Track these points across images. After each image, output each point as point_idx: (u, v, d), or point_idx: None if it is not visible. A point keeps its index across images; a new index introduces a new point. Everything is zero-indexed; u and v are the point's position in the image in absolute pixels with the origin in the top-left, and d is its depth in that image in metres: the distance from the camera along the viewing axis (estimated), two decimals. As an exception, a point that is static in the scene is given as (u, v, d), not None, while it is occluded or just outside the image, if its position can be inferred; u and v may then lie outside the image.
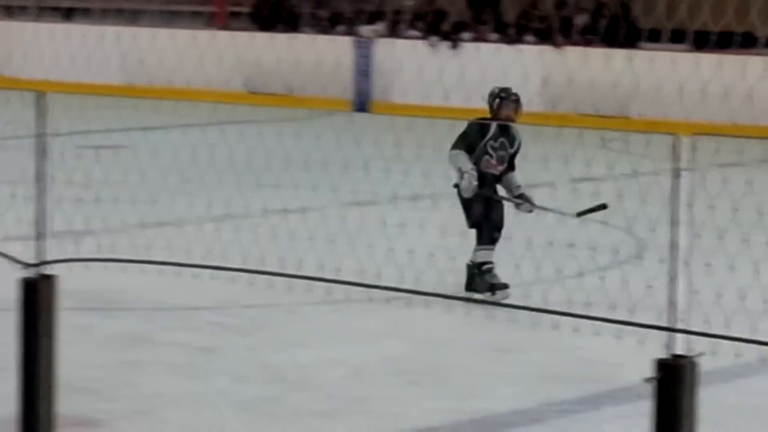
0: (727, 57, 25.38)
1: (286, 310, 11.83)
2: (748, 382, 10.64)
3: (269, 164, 18.21)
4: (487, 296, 12.88)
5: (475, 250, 13.19)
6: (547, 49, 27.14)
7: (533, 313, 10.92)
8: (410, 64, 26.66)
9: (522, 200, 13.42)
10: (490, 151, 13.13)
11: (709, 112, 23.69)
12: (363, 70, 28.12)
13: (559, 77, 26.14)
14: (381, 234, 14.25)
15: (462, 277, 13.26)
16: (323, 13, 31.22)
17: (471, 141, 13.16)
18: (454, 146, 13.18)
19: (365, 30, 29.21)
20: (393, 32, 29.12)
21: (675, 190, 4.74)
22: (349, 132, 22.93)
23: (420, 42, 28.06)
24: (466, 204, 13.14)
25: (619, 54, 26.07)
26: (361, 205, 17.30)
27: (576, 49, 26.91)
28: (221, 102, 24.93)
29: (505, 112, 13.34)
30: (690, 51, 26.32)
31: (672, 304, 4.64)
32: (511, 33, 27.89)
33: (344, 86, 28.01)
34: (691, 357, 5.14)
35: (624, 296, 10.68)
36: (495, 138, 13.13)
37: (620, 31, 26.97)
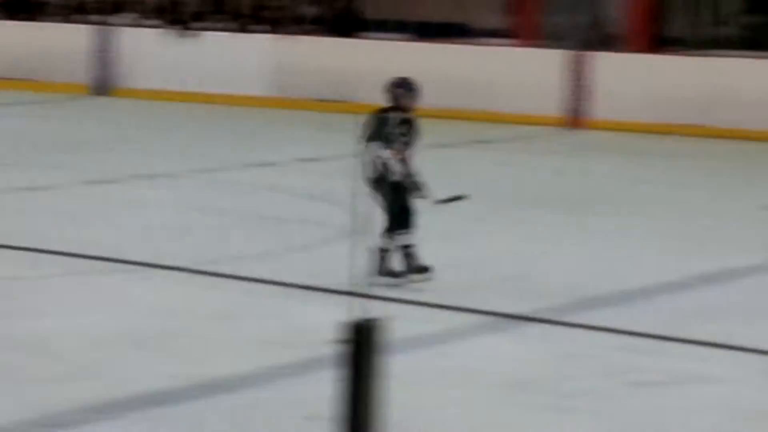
0: (446, 46, 25.71)
1: (30, 281, 11.44)
2: (448, 346, 10.42)
3: (15, 145, 17.95)
4: (416, 278, 12.69)
5: (393, 235, 12.78)
6: (279, 38, 26.70)
7: (253, 283, 11.45)
8: (151, 51, 26.71)
9: (417, 187, 13.25)
10: (394, 139, 12.97)
11: (430, 97, 22.97)
12: (104, 57, 27.31)
13: (289, 65, 26.09)
14: (122, 210, 14.19)
15: (196, 251, 12.96)
16: (69, 1, 30.36)
17: (379, 131, 12.89)
18: (370, 138, 12.79)
19: (108, 19, 28.54)
20: (135, 22, 28.68)
21: (356, 167, 5.15)
22: (93, 115, 23.52)
23: (160, 31, 27.49)
24: (381, 191, 12.74)
25: (345, 43, 26.28)
26: (104, 183, 16.43)
27: (306, 38, 26.65)
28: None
29: (405, 101, 12.91)
30: (412, 40, 26.42)
31: (354, 271, 5.02)
32: (246, 22, 27.89)
33: (86, 72, 27.11)
34: (376, 321, 5.08)
35: (329, 266, 11.01)
36: (397, 126, 12.94)
37: (347, 22, 27.35)
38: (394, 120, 13.01)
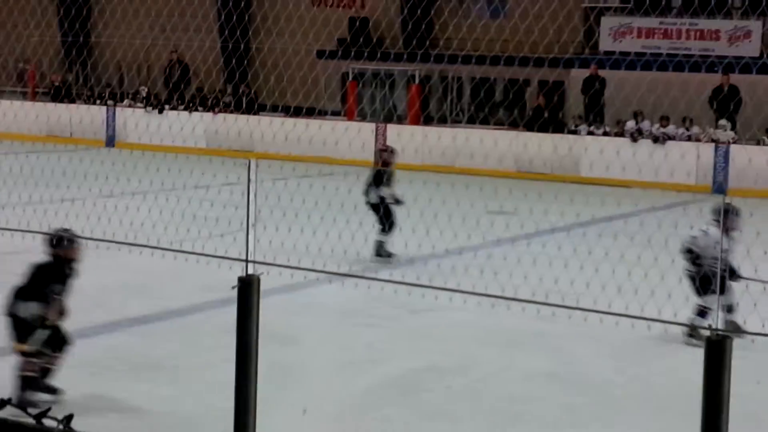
0: (308, 119, 26.50)
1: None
2: (304, 291, 10.77)
3: None
4: (388, 260, 13.07)
5: (385, 234, 13.20)
6: (209, 114, 27.08)
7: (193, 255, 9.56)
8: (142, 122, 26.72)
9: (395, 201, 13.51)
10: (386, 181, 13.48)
11: (296, 149, 23.94)
12: (112, 125, 27.58)
13: (217, 131, 26.63)
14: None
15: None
16: (90, 92, 29.81)
17: (382, 178, 13.43)
18: (385, 185, 13.37)
19: (112, 101, 28.35)
20: (129, 104, 28.24)
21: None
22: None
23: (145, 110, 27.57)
24: (381, 209, 13.26)
25: (249, 118, 26.45)
26: None
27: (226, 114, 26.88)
28: None
29: (388, 159, 13.81)
30: (287, 116, 25.75)
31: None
32: (191, 104, 27.88)
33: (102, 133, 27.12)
34: (257, 275, 4.77)
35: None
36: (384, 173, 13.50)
37: (249, 104, 27.66)
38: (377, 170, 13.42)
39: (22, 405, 5.45)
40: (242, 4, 31.14)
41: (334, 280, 10.76)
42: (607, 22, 25.64)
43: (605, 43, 25.53)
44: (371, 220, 14.44)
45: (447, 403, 7.61)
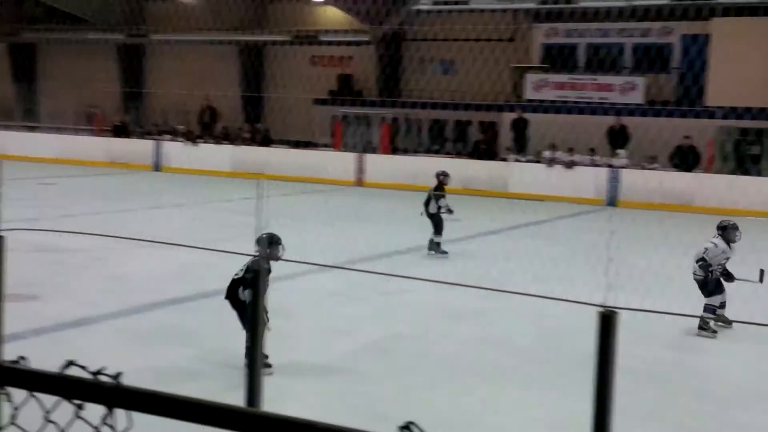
0: (305, 151, 25.62)
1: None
2: (299, 279, 10.33)
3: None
4: (444, 255, 12.51)
5: (439, 236, 12.70)
6: (234, 146, 25.78)
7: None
8: (180, 153, 25.79)
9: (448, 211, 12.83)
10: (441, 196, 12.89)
11: (289, 171, 23.66)
12: (159, 155, 26.11)
13: (241, 158, 25.20)
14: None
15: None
16: (146, 129, 28.97)
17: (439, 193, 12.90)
18: (442, 198, 12.81)
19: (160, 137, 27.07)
20: (172, 138, 26.77)
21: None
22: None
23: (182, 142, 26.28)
24: (437, 218, 12.82)
25: (265, 149, 25.60)
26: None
27: (248, 146, 25.59)
28: None
29: (443, 181, 13.18)
30: (291, 148, 25.84)
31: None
32: (220, 138, 26.72)
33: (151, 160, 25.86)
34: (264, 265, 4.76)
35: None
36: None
37: (265, 139, 26.65)
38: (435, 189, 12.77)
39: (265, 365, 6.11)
40: (257, 64, 31.29)
41: (325, 270, 10.59)
42: (530, 78, 25.66)
43: (529, 93, 25.53)
44: (353, 225, 14.64)
45: (407, 361, 7.54)
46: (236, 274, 7.05)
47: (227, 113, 28.61)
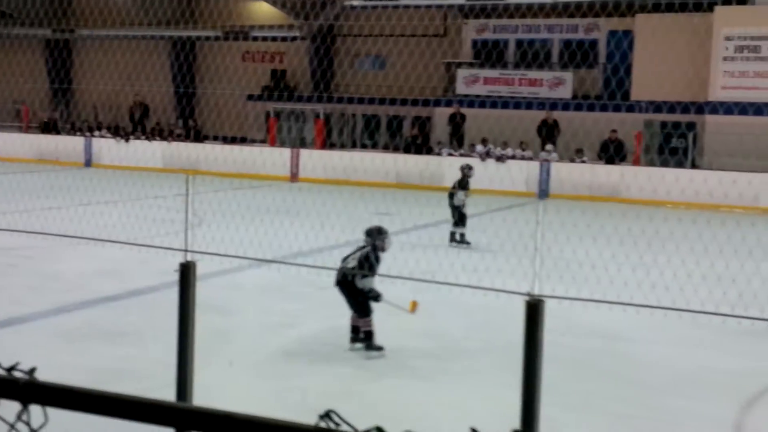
0: (241, 146, 25.07)
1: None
2: (237, 274, 10.27)
3: None
4: (468, 245, 12.57)
5: (463, 227, 12.69)
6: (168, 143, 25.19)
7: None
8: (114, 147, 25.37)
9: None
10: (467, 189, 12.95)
11: (230, 168, 23.43)
12: (89, 153, 25.71)
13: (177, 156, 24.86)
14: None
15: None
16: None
17: (465, 186, 12.97)
18: (466, 191, 12.88)
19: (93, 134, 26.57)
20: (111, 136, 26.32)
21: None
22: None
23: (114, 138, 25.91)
24: (460, 209, 12.90)
25: (197, 146, 25.00)
26: None
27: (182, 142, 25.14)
28: None
29: (468, 174, 13.14)
30: (224, 144, 25.59)
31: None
32: (153, 134, 26.20)
33: None
34: (194, 261, 4.50)
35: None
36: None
37: (196, 134, 26.24)
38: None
39: (376, 348, 7.23)
40: (189, 59, 31.01)
41: (260, 265, 10.47)
42: (462, 73, 25.92)
43: (461, 88, 25.74)
44: (283, 219, 14.06)
45: (344, 353, 7.53)
46: (344, 261, 7.43)
47: (159, 109, 28.28)
